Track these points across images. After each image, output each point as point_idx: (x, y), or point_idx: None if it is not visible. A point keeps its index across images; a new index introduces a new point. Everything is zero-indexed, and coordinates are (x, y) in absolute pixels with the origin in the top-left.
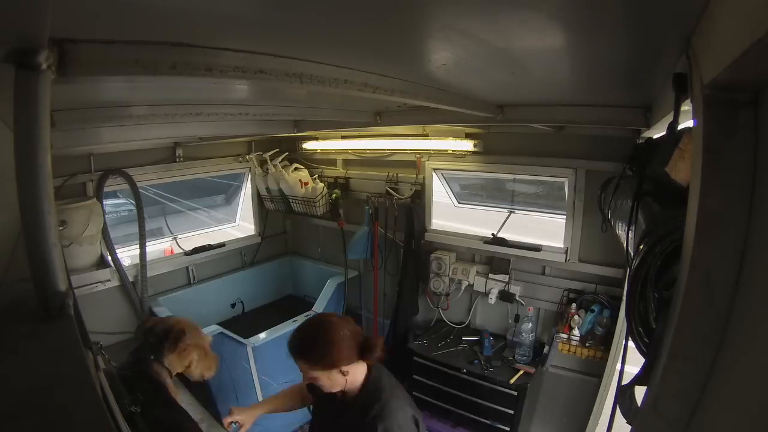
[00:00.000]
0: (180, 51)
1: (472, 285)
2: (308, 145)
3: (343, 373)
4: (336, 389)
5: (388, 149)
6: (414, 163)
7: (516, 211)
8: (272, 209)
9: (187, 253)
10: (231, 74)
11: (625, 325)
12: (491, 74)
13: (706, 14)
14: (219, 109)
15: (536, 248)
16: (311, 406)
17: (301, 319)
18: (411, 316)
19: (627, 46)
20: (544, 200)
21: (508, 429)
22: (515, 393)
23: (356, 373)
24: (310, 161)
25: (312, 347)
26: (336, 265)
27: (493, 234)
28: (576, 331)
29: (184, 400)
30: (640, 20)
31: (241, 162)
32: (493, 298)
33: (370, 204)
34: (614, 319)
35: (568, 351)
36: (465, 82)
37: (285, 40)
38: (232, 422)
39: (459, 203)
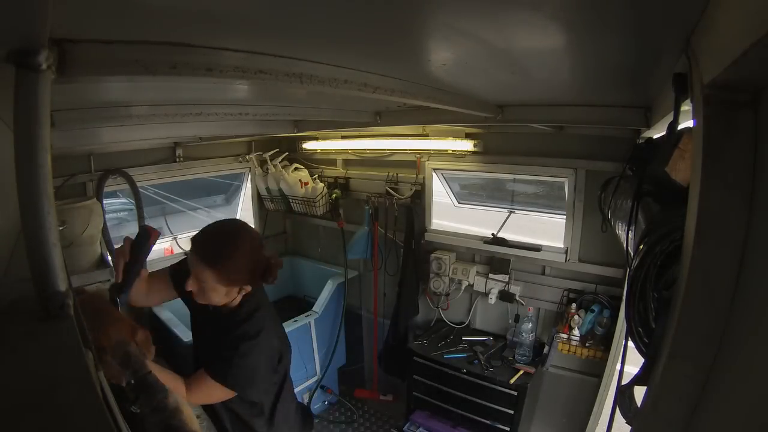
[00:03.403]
0: (180, 51)
1: (472, 285)
2: (308, 145)
3: (240, 291)
4: (212, 301)
5: (388, 149)
6: (414, 163)
7: (516, 211)
8: (272, 209)
9: (187, 253)
10: (231, 74)
11: (625, 325)
12: (491, 74)
13: (706, 14)
14: (219, 109)
15: (536, 248)
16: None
17: (301, 319)
18: (411, 316)
19: (627, 46)
20: (544, 200)
21: (508, 429)
22: (515, 393)
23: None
24: (310, 161)
25: (231, 261)
26: (336, 265)
27: (493, 234)
28: (576, 331)
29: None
30: (640, 20)
31: (241, 162)
32: (493, 298)
33: (370, 204)
34: (614, 319)
35: (568, 351)
36: (465, 82)
37: (285, 40)
38: None
39: (459, 203)
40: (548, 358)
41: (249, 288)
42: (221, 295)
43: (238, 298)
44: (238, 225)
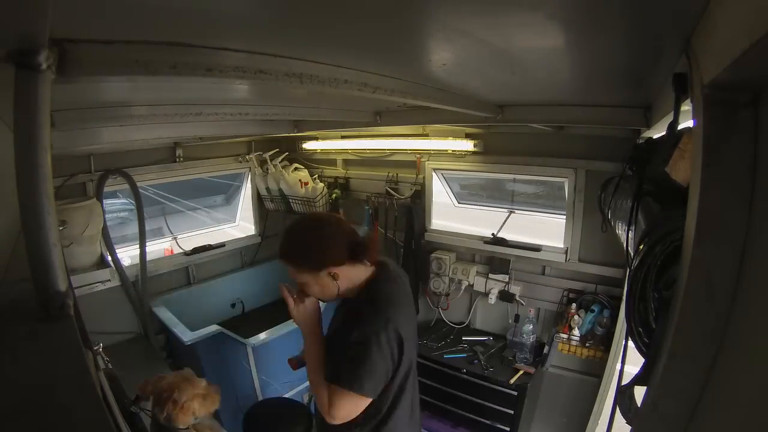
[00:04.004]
0: (180, 51)
1: (472, 285)
2: (308, 145)
3: (333, 277)
4: (328, 296)
5: (388, 149)
6: (414, 163)
7: (516, 211)
8: (272, 209)
9: (187, 253)
10: (231, 74)
11: (625, 325)
12: (491, 74)
13: (706, 14)
14: (219, 109)
15: (536, 248)
16: None
17: None
18: None
19: (627, 46)
20: (544, 200)
21: (508, 429)
22: (515, 393)
23: (352, 277)
24: (310, 161)
25: (297, 247)
26: None
27: (493, 234)
28: (576, 331)
29: None
30: (640, 20)
31: (241, 162)
32: (493, 298)
33: (370, 204)
34: (614, 319)
35: (568, 351)
36: (465, 82)
37: (285, 40)
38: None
39: (459, 203)
40: (548, 358)
41: (335, 270)
42: (315, 285)
43: (347, 284)
44: (310, 216)
